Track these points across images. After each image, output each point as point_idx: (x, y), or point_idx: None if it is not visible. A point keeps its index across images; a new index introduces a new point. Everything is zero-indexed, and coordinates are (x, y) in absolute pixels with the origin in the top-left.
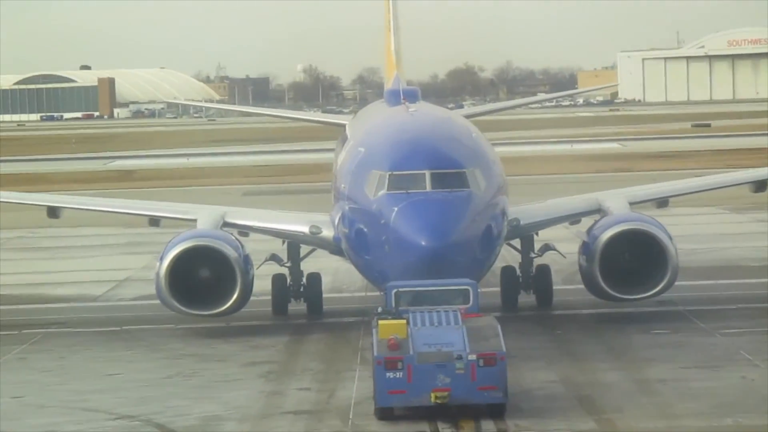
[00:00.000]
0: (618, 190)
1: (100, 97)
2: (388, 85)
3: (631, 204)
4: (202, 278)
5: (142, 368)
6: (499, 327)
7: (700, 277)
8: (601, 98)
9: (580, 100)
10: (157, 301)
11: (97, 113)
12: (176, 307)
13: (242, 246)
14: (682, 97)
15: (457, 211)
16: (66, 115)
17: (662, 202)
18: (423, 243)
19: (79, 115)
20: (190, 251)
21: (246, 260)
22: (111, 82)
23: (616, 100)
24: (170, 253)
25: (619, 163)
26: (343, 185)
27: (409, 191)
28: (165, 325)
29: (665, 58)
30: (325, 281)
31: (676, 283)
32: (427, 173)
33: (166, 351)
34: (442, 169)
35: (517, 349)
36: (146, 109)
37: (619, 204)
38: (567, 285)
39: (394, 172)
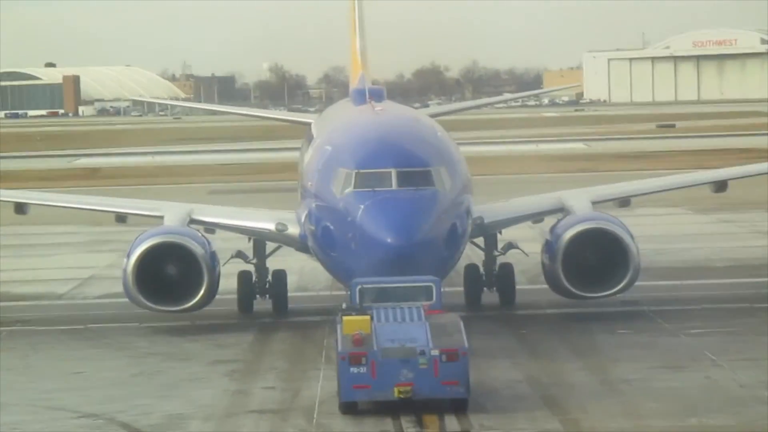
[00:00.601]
0: (581, 189)
1: (65, 95)
2: (354, 85)
3: (594, 203)
4: (168, 275)
5: (106, 367)
6: (461, 323)
7: (664, 277)
8: (566, 98)
9: (546, 100)
10: (123, 300)
11: (62, 111)
12: (143, 303)
13: (209, 243)
14: (647, 98)
15: (423, 209)
16: (30, 113)
17: (624, 202)
18: (389, 240)
19: (43, 112)
20: (157, 247)
21: (212, 257)
22: (76, 79)
23: (581, 101)
24: (137, 250)
25: (584, 164)
26: (309, 183)
27: (376, 189)
28: (130, 323)
29: (630, 59)
30: (291, 280)
31: (641, 283)
32: (393, 171)
33: (130, 349)
34: (408, 167)
35: (482, 349)
36: (111, 106)
37: (581, 203)
38: (532, 285)
39: (361, 170)
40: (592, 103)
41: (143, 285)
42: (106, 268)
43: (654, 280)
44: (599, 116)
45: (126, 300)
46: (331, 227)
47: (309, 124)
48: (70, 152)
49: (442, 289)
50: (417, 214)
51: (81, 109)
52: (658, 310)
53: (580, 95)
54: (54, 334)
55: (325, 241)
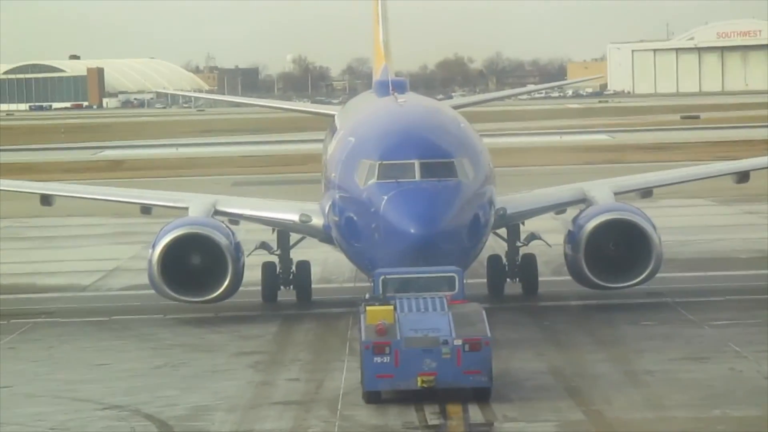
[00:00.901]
0: (603, 180)
1: (89, 87)
2: (377, 76)
3: (616, 194)
4: (193, 265)
5: (131, 358)
6: (484, 313)
7: (688, 268)
8: (590, 90)
9: (570, 92)
10: (147, 291)
11: (86, 103)
12: (168, 293)
13: (233, 234)
14: (672, 89)
15: (446, 200)
16: (55, 105)
17: (646, 193)
18: (412, 231)
19: (68, 104)
20: (182, 238)
21: (237, 248)
22: (100, 71)
23: (605, 92)
24: (162, 241)
25: (608, 155)
26: (333, 174)
27: (399, 180)
28: (154, 315)
29: (654, 50)
30: (314, 272)
31: (665, 274)
32: (416, 162)
33: (155, 341)
34: (431, 158)
35: (505, 340)
36: (135, 99)
37: (603, 194)
38: (555, 276)
39: (384, 162)
40: (616, 94)
41: (168, 276)
42: (130, 259)
43: (678, 271)
44: (623, 107)
45: (150, 291)
46: (355, 218)
47: (333, 116)
48: (94, 144)
49: (464, 280)
50: (440, 205)
51: (105, 101)
52: (682, 302)
53: (604, 86)
54: (78, 325)
55: (349, 231)
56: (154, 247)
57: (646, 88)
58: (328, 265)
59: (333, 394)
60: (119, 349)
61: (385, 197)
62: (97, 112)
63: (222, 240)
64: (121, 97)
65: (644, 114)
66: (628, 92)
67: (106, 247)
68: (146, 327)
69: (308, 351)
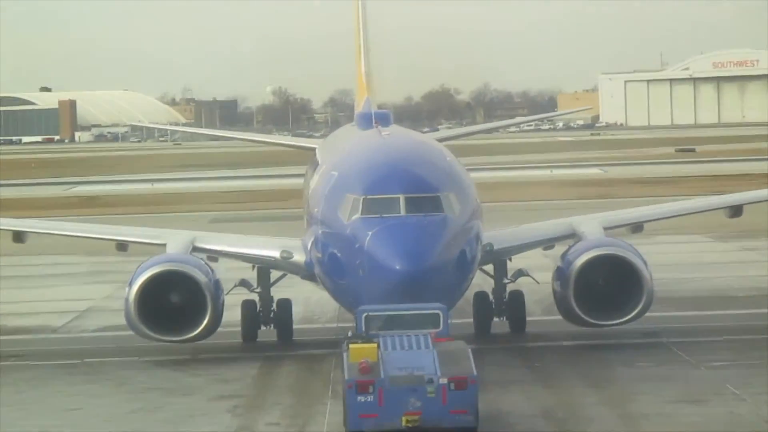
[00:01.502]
0: (593, 215)
1: (61, 120)
2: (359, 109)
3: (606, 229)
4: (172, 304)
5: (104, 403)
6: (469, 351)
7: (684, 307)
8: (581, 122)
9: (560, 124)
10: (121, 333)
11: (57, 137)
12: (145, 333)
13: (213, 271)
14: (666, 121)
15: (432, 235)
16: (25, 139)
17: (637, 227)
18: (398, 267)
19: (39, 138)
20: (160, 276)
21: (216, 285)
22: (72, 104)
23: (597, 124)
24: (140, 278)
25: (600, 189)
26: (316, 209)
27: (384, 215)
28: (129, 357)
29: (648, 81)
30: (296, 311)
31: (660, 313)
32: (402, 197)
33: (129, 384)
34: (417, 193)
35: (494, 382)
36: (109, 132)
37: (593, 229)
38: (546, 315)
39: (368, 196)
40: (608, 126)
41: (146, 315)
42: (104, 299)
43: (673, 310)
44: (616, 140)
45: (125, 333)
46: (338, 254)
47: (314, 150)
48: (66, 180)
49: (450, 317)
50: (426, 241)
51: (77, 134)
52: (678, 342)
53: (596, 118)
54: (50, 368)
55: (333, 268)
56: (131, 285)
57: (640, 119)
58: (310, 304)
59: None
60: (92, 393)
61: (370, 233)
62: (69, 146)
63: (201, 277)
64: (94, 130)
65: (638, 147)
66: (621, 124)
67: (79, 287)
68: (121, 370)
69: (289, 394)
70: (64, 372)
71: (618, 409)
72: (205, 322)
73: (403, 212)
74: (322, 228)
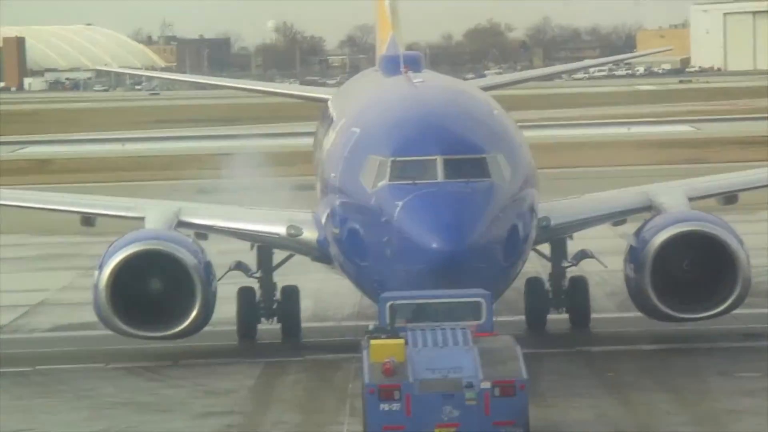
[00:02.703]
0: (674, 182)
1: (6, 63)
2: (382, 50)
3: (691, 199)
4: (152, 291)
5: (60, 421)
6: (518, 348)
7: None
8: (668, 66)
9: (641, 69)
10: (83, 333)
11: (1, 84)
12: (119, 327)
13: (202, 251)
14: None
15: (477, 207)
16: None
17: (730, 198)
18: (435, 246)
19: None
20: (138, 256)
21: (207, 268)
22: (20, 42)
23: (688, 69)
24: (113, 260)
25: (690, 152)
26: (332, 174)
27: (417, 182)
28: (93, 363)
29: (754, 12)
30: (305, 306)
31: (763, 310)
32: (439, 159)
33: (93, 398)
34: (458, 154)
35: (556, 395)
36: (67, 78)
37: (675, 199)
38: (623, 312)
39: (398, 158)
40: (702, 71)
41: (120, 305)
42: (60, 290)
43: None
44: (711, 89)
45: (88, 333)
46: (360, 230)
47: (326, 101)
48: (12, 139)
49: (494, 306)
50: (469, 213)
51: (27, 81)
52: None
53: (687, 62)
54: None
55: (353, 246)
56: (101, 267)
57: (743, 63)
58: (322, 297)
59: None
60: (45, 409)
61: (400, 203)
62: (16, 95)
63: (189, 259)
64: (49, 76)
65: (739, 98)
66: (719, 69)
67: (29, 275)
68: (82, 380)
69: (296, 411)
70: (9, 382)
71: (714, 429)
72: (194, 313)
73: (440, 178)
74: (339, 198)
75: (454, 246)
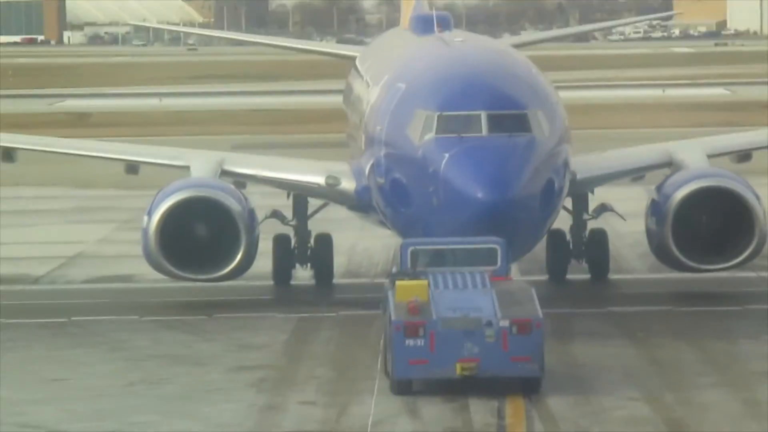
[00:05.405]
0: (695, 140)
1: (46, 16)
2: (408, 10)
3: (710, 156)
4: (199, 236)
5: (96, 372)
6: (533, 291)
7: None
8: (704, 29)
9: (676, 31)
10: (118, 285)
11: (41, 37)
12: (168, 269)
13: (246, 199)
14: None
15: (519, 160)
16: (1, 39)
17: (744, 156)
18: (480, 196)
19: (17, 39)
20: (186, 203)
21: (251, 215)
22: None
23: (723, 31)
24: (161, 206)
25: (724, 115)
26: (378, 127)
27: (462, 135)
28: (127, 315)
29: None
30: (338, 263)
31: None
32: (484, 114)
33: (127, 350)
34: (501, 109)
35: (586, 356)
36: (106, 33)
37: (695, 156)
38: (653, 273)
39: (445, 113)
40: (737, 34)
41: (168, 248)
42: (97, 243)
43: None
44: (747, 53)
45: (123, 286)
46: (405, 180)
47: (353, 59)
48: (52, 92)
49: (510, 254)
50: (512, 166)
51: (67, 35)
52: None
53: (722, 24)
54: (29, 328)
55: (397, 195)
56: (150, 213)
57: None
58: (355, 253)
59: (359, 422)
60: (81, 360)
61: (446, 155)
62: (55, 49)
63: (234, 205)
64: (88, 30)
65: None
66: (755, 32)
67: (66, 227)
68: (117, 332)
69: (328, 366)
70: (46, 333)
71: (741, 393)
72: (239, 257)
73: (485, 132)
74: (385, 149)
75: (498, 196)
